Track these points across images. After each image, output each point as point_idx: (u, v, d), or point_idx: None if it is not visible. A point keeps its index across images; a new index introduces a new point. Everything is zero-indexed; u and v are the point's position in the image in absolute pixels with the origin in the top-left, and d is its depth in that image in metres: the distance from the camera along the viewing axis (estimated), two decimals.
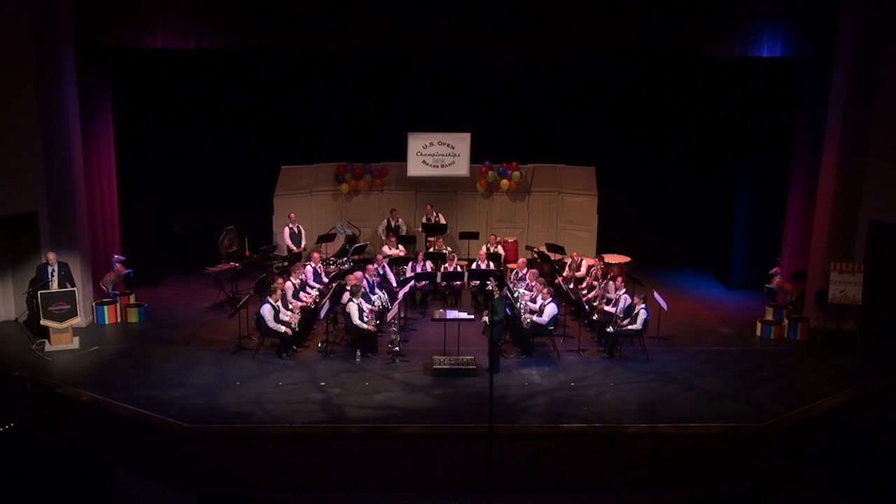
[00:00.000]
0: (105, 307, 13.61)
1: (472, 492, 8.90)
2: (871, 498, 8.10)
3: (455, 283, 14.62)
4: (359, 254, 15.77)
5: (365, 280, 13.00)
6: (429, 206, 17.08)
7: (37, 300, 12.28)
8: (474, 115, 16.84)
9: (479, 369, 11.52)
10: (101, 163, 13.88)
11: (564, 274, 14.74)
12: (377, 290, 13.22)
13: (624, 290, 12.68)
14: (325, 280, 14.10)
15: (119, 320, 13.72)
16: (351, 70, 16.17)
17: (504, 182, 17.30)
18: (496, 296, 11.68)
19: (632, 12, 13.14)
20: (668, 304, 12.87)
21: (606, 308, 12.87)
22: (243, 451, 9.74)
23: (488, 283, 13.23)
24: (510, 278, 14.30)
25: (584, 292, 13.89)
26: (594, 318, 13.00)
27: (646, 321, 12.21)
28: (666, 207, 17.40)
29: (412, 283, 13.92)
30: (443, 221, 17.00)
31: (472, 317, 12.54)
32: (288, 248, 15.94)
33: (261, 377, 11.39)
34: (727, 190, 16.02)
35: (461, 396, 10.82)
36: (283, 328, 12.00)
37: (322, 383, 11.21)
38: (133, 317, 13.77)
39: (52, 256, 12.66)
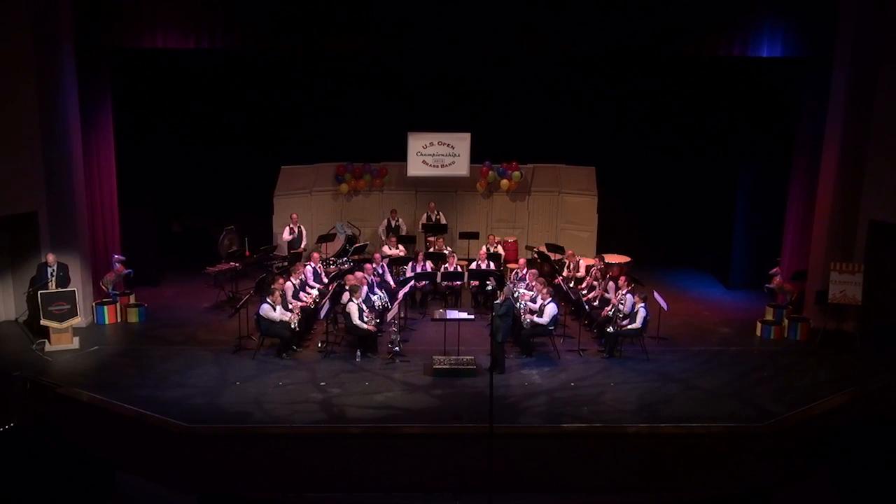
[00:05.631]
0: (105, 307, 13.61)
1: (472, 492, 8.90)
2: (871, 498, 8.09)
3: (455, 283, 14.62)
4: (359, 254, 15.76)
5: (365, 280, 12.99)
6: (432, 204, 17.09)
7: (37, 300, 12.28)
8: (474, 115, 16.85)
9: (479, 369, 11.52)
10: (101, 163, 13.87)
11: (564, 274, 14.74)
12: (377, 290, 13.21)
13: (627, 291, 12.65)
14: (325, 280, 14.10)
15: (119, 320, 13.73)
16: (351, 70, 16.17)
17: (504, 182, 17.30)
18: (502, 298, 11.68)
19: (632, 12, 13.15)
20: (668, 304, 12.87)
21: (609, 309, 12.83)
22: (243, 451, 9.74)
23: (488, 283, 13.21)
24: (510, 278, 14.29)
25: (584, 292, 13.89)
26: (603, 322, 12.86)
27: (646, 320, 12.21)
28: (666, 208, 17.41)
29: (412, 283, 13.92)
30: (444, 221, 17.01)
31: (472, 317, 12.53)
32: (288, 248, 15.94)
33: (261, 377, 11.39)
34: (727, 190, 16.02)
35: (461, 396, 10.83)
36: (288, 315, 12.09)
37: (322, 383, 11.21)
38: (133, 317, 13.77)
39: (51, 258, 12.67)
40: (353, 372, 11.64)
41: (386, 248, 15.70)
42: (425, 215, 17.04)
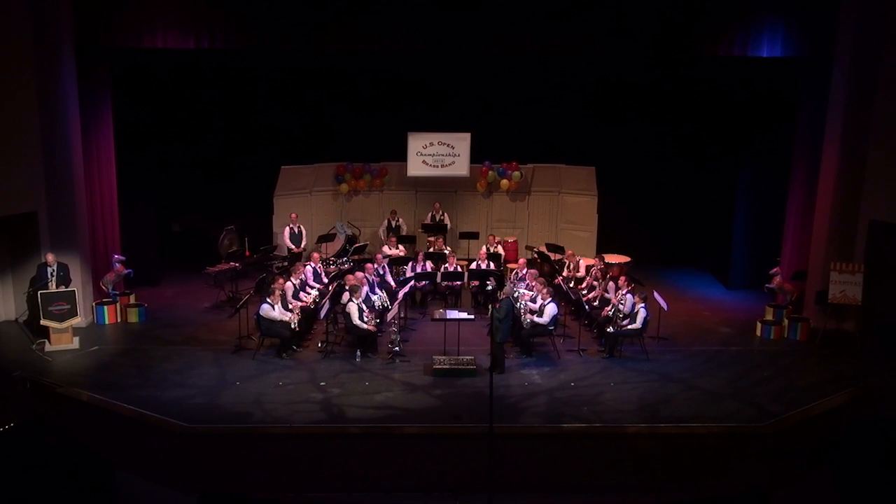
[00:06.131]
0: (105, 307, 13.61)
1: (472, 492, 8.90)
2: (871, 498, 8.10)
3: (455, 283, 14.62)
4: (359, 254, 15.77)
5: (365, 280, 13.00)
6: (437, 204, 17.11)
7: (37, 300, 12.28)
8: (474, 115, 16.85)
9: (479, 369, 11.52)
10: (101, 163, 13.88)
11: (564, 274, 14.74)
12: (377, 290, 13.21)
13: (627, 291, 12.63)
14: (325, 280, 14.10)
15: (119, 320, 13.72)
16: (351, 70, 16.17)
17: (504, 182, 17.30)
18: (502, 297, 11.68)
19: (632, 12, 13.15)
20: (668, 304, 12.87)
21: (609, 309, 12.83)
22: (243, 451, 9.74)
23: (488, 283, 13.23)
24: (510, 278, 14.29)
25: (584, 292, 13.89)
26: (603, 322, 12.84)
27: (646, 320, 12.21)
28: (666, 207, 17.41)
29: (412, 283, 13.91)
30: (447, 222, 17.01)
31: (472, 317, 12.53)
32: (288, 248, 15.94)
33: (261, 377, 11.39)
34: (727, 190, 16.02)
35: (461, 396, 10.82)
36: (288, 315, 12.11)
37: (322, 383, 11.21)
38: (133, 317, 13.77)
39: (50, 257, 12.66)
40: (353, 372, 11.64)
41: (386, 248, 15.70)
42: (430, 215, 17.05)
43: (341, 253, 16.03)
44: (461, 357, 11.82)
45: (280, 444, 9.74)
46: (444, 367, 11.55)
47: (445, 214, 17.10)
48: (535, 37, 13.33)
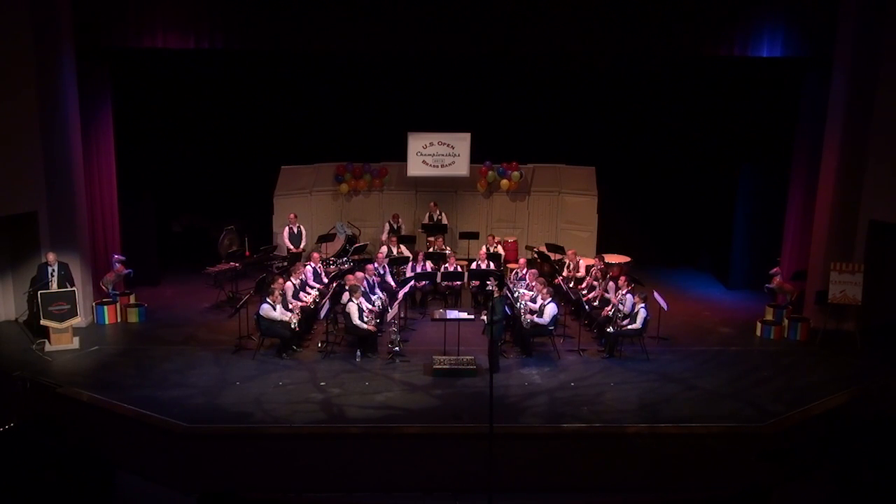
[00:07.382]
0: (105, 307, 13.61)
1: (472, 492, 8.90)
2: (871, 498, 8.10)
3: (455, 283, 14.62)
4: (359, 254, 15.77)
5: (365, 280, 13.00)
6: (432, 204, 17.09)
7: (37, 300, 12.28)
8: (474, 115, 16.85)
9: (479, 369, 11.52)
10: (101, 163, 13.88)
11: (564, 274, 14.74)
12: (377, 291, 13.21)
13: (627, 291, 12.64)
14: (325, 280, 14.10)
15: (119, 320, 13.72)
16: (351, 70, 16.17)
17: (504, 182, 17.30)
18: (496, 295, 11.68)
19: (631, 12, 13.15)
20: (668, 304, 12.87)
21: (609, 309, 12.83)
22: (243, 451, 9.74)
23: (488, 283, 13.23)
24: (510, 278, 14.30)
25: (584, 292, 13.89)
26: (604, 322, 12.83)
27: (646, 320, 12.21)
28: (666, 207, 17.42)
29: (412, 283, 13.92)
30: (445, 221, 16.99)
31: (472, 317, 12.52)
32: (287, 248, 15.94)
33: (261, 377, 11.39)
34: (727, 190, 16.03)
35: (461, 396, 10.82)
36: (288, 315, 12.10)
37: (322, 383, 11.20)
38: (133, 317, 13.77)
39: (51, 257, 12.66)
40: (353, 372, 11.64)
41: (385, 248, 15.68)
42: (427, 215, 17.04)
43: (341, 253, 16.03)
44: (461, 357, 11.82)
45: (280, 444, 9.73)
46: (444, 367, 11.55)
47: (443, 214, 17.10)
48: (535, 37, 13.32)
